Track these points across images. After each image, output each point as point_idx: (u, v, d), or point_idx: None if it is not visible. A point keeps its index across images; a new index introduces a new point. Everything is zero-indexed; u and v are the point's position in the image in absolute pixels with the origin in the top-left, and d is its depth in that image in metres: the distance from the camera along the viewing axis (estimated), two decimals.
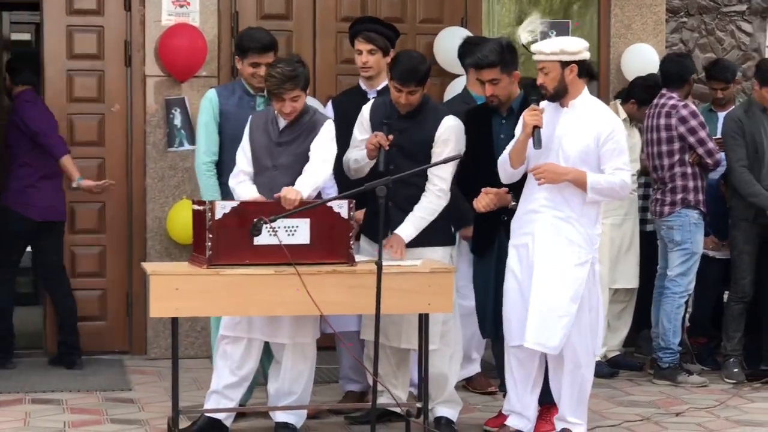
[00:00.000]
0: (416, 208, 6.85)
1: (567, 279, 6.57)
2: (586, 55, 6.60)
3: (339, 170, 7.11)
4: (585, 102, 6.67)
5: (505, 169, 6.70)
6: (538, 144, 6.46)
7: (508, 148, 6.68)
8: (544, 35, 6.75)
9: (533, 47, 6.68)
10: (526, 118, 6.51)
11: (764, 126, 8.44)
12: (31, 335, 9.58)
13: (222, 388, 6.85)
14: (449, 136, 6.88)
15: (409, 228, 6.83)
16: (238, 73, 7.08)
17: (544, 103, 6.59)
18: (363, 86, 7.62)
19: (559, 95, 6.59)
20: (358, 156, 6.98)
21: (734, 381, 8.44)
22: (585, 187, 6.52)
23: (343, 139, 7.07)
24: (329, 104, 7.82)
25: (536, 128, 6.46)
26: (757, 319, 8.63)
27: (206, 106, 7.34)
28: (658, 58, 9.41)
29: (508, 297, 6.75)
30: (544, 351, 6.60)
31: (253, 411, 7.25)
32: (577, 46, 6.57)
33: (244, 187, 6.82)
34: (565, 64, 6.53)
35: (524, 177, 6.73)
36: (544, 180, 6.50)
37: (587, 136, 6.58)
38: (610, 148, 6.57)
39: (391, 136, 6.79)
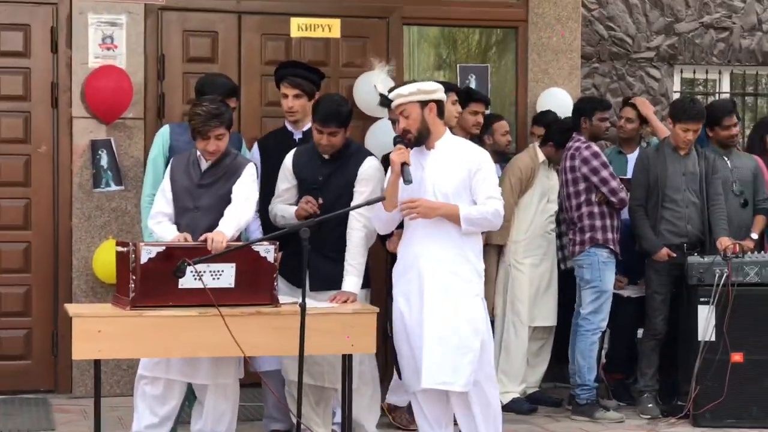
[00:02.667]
0: (348, 256, 6.60)
1: (465, 315, 6.26)
2: (441, 96, 6.40)
3: (263, 211, 6.81)
4: (449, 141, 6.44)
5: (379, 216, 6.42)
6: (408, 179, 6.19)
7: None
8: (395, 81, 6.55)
9: (391, 94, 6.42)
10: (393, 157, 6.26)
11: (673, 164, 8.24)
12: None
13: (143, 429, 6.56)
14: (370, 175, 6.69)
15: (353, 279, 6.60)
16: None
17: (415, 154, 6.34)
18: (289, 127, 7.37)
19: (423, 137, 6.34)
20: (285, 213, 6.77)
21: (649, 416, 8.20)
22: (458, 220, 6.25)
23: (269, 179, 6.84)
24: (255, 145, 7.52)
25: (404, 164, 6.20)
26: (673, 356, 8.39)
27: (157, 141, 7.22)
28: (571, 101, 9.21)
29: (401, 345, 6.40)
30: (451, 389, 6.25)
31: None
32: (433, 86, 6.37)
33: (163, 227, 6.53)
34: (423, 104, 6.30)
35: None
36: (417, 215, 6.22)
37: (459, 171, 6.34)
38: (480, 178, 6.34)
39: (321, 201, 6.57)
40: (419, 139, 6.33)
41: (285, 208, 6.78)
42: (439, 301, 6.25)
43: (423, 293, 6.28)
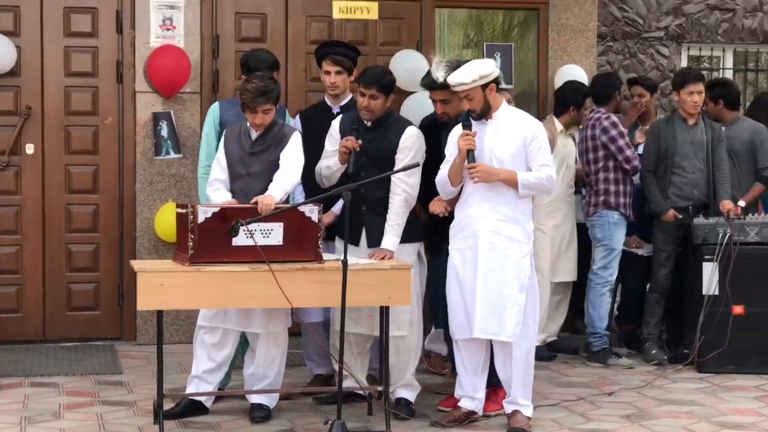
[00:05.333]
0: (389, 217, 6.54)
1: (513, 272, 6.28)
2: (497, 72, 6.33)
3: (306, 177, 6.77)
4: (505, 112, 6.41)
5: (445, 188, 6.41)
6: (473, 162, 6.20)
7: (444, 168, 6.36)
8: (452, 67, 6.38)
9: (450, 81, 6.31)
10: (460, 143, 6.22)
11: (682, 133, 8.14)
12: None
13: (201, 373, 6.56)
14: (411, 144, 6.59)
15: (391, 238, 6.53)
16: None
17: (474, 125, 6.29)
18: (328, 102, 7.29)
19: (485, 113, 6.32)
20: (330, 163, 6.67)
21: (655, 361, 8.16)
22: (516, 184, 6.24)
23: (309, 148, 6.74)
24: (297, 117, 7.47)
25: (470, 151, 6.19)
26: (679, 310, 8.34)
27: (209, 118, 7.15)
28: (586, 76, 9.10)
29: (452, 297, 6.42)
30: (497, 339, 6.30)
31: (231, 394, 6.89)
32: (489, 68, 6.28)
33: (219, 194, 6.53)
34: (484, 86, 6.25)
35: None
36: (479, 179, 6.19)
37: (515, 140, 6.32)
38: (535, 147, 6.32)
39: (360, 141, 6.45)
40: (481, 115, 6.32)
41: (329, 161, 6.68)
42: (491, 258, 6.28)
43: (477, 251, 6.29)
